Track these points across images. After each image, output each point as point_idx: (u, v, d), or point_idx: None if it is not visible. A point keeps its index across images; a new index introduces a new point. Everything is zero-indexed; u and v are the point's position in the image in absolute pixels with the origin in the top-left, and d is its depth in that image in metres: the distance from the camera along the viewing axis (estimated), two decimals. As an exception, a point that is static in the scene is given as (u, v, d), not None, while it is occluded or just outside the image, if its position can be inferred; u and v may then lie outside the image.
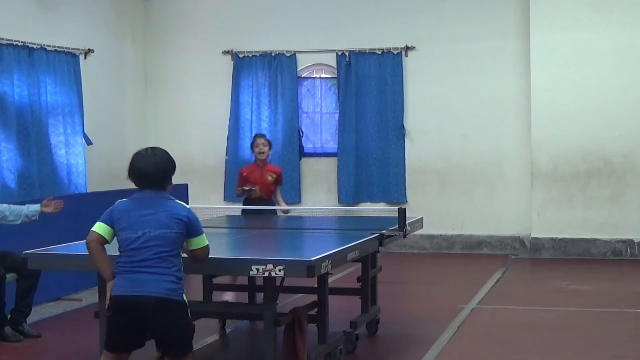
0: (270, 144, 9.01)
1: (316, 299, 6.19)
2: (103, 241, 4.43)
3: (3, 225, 7.27)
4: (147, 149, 4.57)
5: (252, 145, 9.05)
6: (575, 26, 11.29)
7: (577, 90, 11.30)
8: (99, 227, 4.43)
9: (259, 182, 8.79)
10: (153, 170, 4.45)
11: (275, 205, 8.91)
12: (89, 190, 10.77)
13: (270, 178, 8.88)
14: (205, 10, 12.88)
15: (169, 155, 4.58)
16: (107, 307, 4.45)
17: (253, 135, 12.45)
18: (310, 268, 4.93)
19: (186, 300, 4.40)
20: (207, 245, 4.55)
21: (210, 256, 4.68)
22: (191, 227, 4.44)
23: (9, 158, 9.90)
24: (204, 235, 4.53)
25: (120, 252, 4.39)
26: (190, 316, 4.45)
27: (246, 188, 8.74)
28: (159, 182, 4.47)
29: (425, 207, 11.51)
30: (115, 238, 4.47)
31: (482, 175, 12.04)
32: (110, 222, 4.42)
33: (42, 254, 5.54)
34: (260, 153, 8.88)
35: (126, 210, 4.41)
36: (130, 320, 4.32)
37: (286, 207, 9.10)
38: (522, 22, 11.68)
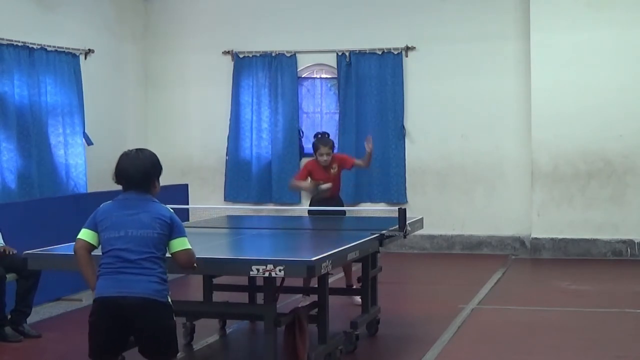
0: (332, 147, 8.35)
1: (316, 299, 6.19)
2: (89, 247, 4.38)
3: (3, 225, 7.30)
4: (133, 149, 4.51)
5: (314, 150, 8.38)
6: (575, 26, 11.29)
7: (577, 90, 11.29)
8: (84, 234, 4.39)
9: (325, 179, 8.24)
10: (135, 172, 4.39)
11: (341, 202, 8.47)
12: (89, 190, 10.77)
13: (332, 171, 8.30)
14: (205, 10, 12.88)
15: (155, 157, 4.50)
16: (90, 313, 4.37)
17: (252, 135, 12.57)
18: (310, 268, 4.94)
19: (171, 302, 4.33)
20: (190, 249, 4.42)
21: (210, 256, 4.66)
22: (173, 227, 4.34)
23: (9, 158, 9.91)
24: (187, 238, 4.42)
25: (102, 253, 4.33)
26: (174, 318, 4.37)
27: (322, 187, 8.17)
28: (141, 184, 4.40)
29: (425, 207, 11.50)
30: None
31: (482, 175, 12.04)
32: (93, 226, 4.37)
33: (42, 254, 5.54)
34: (324, 161, 8.27)
35: (108, 210, 4.37)
36: (114, 321, 4.24)
37: (368, 151, 8.38)
38: (522, 22, 11.68)
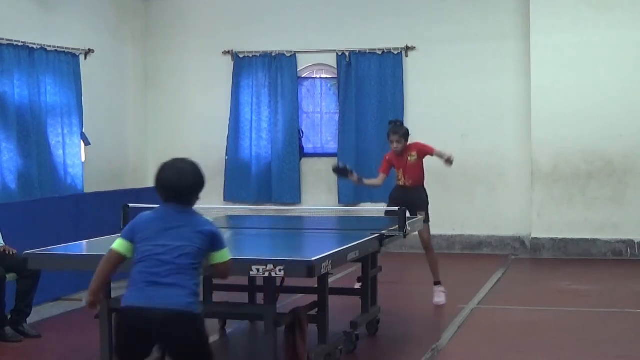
0: (405, 135, 8.22)
1: (316, 299, 6.19)
2: (121, 260, 4.22)
3: (3, 225, 7.30)
4: (177, 160, 4.34)
5: (387, 137, 8.33)
6: (575, 26, 11.29)
7: (577, 90, 11.29)
8: (120, 245, 4.21)
9: (403, 167, 8.25)
10: (180, 185, 4.26)
11: (425, 194, 8.45)
12: (89, 191, 10.77)
13: (410, 158, 8.24)
14: (205, 10, 12.88)
15: (200, 169, 4.40)
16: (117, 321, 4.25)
17: (251, 135, 12.59)
18: (310, 268, 4.93)
19: (201, 313, 4.18)
20: (230, 260, 4.32)
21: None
22: (214, 241, 4.24)
23: (9, 158, 9.90)
24: (227, 249, 4.31)
25: (136, 262, 4.16)
26: (206, 329, 4.24)
27: (349, 170, 8.23)
28: (185, 197, 4.28)
29: (425, 207, 11.48)
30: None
31: (482, 175, 12.03)
32: (131, 237, 4.21)
33: (42, 254, 5.54)
34: (394, 148, 8.25)
35: (149, 221, 4.22)
36: (142, 333, 4.10)
37: (448, 155, 8.21)
38: (522, 22, 11.68)
